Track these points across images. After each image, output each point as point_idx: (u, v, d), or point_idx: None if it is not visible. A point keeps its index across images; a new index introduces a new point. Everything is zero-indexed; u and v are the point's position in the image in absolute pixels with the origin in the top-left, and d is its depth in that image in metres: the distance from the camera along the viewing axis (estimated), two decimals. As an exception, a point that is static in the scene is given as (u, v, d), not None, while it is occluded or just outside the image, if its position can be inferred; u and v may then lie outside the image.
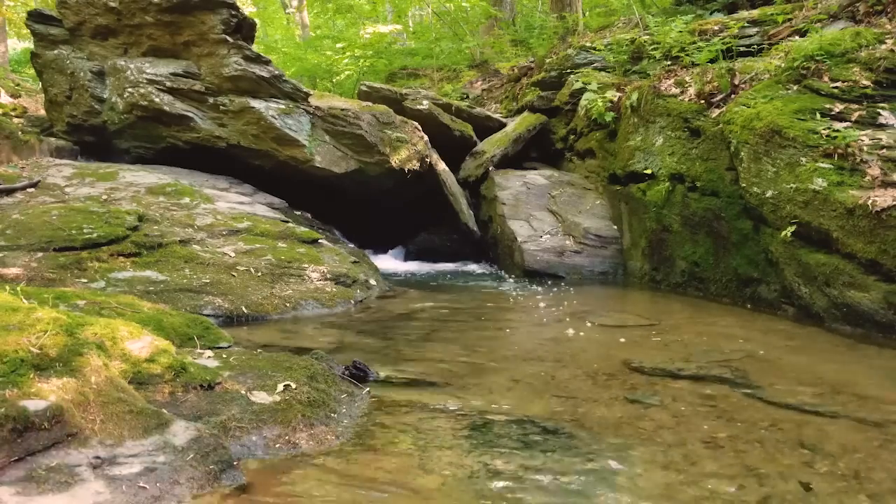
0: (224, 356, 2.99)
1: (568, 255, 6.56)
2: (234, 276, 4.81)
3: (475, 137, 8.75)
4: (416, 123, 7.90)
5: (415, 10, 18.69)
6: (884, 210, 3.82)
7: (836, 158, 4.25)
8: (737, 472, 2.21)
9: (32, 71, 9.39)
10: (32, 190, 6.03)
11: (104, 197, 5.95)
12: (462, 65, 13.33)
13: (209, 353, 3.01)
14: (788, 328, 4.30)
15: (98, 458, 1.93)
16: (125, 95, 7.31)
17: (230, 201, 6.48)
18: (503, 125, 8.92)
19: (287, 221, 6.23)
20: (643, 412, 2.78)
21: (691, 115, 5.71)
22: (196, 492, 1.94)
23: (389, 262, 7.93)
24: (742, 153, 4.88)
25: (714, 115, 5.42)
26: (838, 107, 4.54)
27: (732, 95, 5.40)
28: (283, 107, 7.23)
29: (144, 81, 7.25)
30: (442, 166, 8.05)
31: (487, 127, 8.92)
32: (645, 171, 6.21)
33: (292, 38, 20.61)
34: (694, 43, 6.66)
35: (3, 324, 2.23)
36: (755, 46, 6.27)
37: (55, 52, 7.64)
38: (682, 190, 5.68)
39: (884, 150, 4.13)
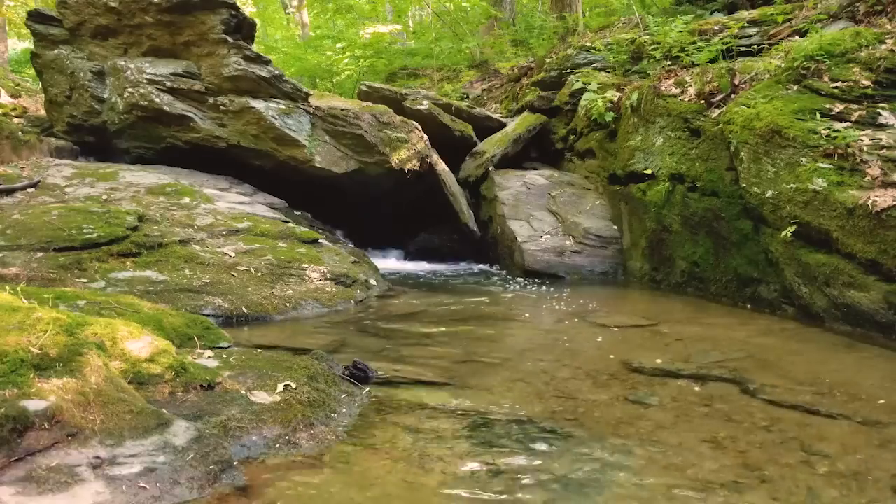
0: (224, 356, 2.99)
1: (568, 255, 6.56)
2: (234, 276, 4.81)
3: (475, 137, 8.74)
4: (416, 123, 7.90)
5: (415, 10, 18.68)
6: (884, 210, 3.81)
7: (836, 158, 4.25)
8: (737, 472, 2.21)
9: (32, 71, 9.38)
10: (32, 190, 6.03)
11: (104, 197, 5.95)
12: (462, 65, 13.32)
13: (209, 353, 3.01)
14: (788, 328, 4.30)
15: (98, 458, 1.93)
16: (125, 95, 7.31)
17: (230, 201, 6.48)
18: (503, 125, 8.91)
19: (287, 221, 6.23)
20: (643, 412, 2.78)
21: (691, 115, 5.71)
22: (196, 492, 1.93)
23: (389, 262, 7.93)
24: (742, 153, 4.87)
25: (714, 115, 5.42)
26: (838, 107, 4.54)
27: (732, 95, 5.40)
28: (283, 107, 7.23)
29: (144, 81, 7.25)
30: (442, 166, 8.05)
31: (487, 127, 8.91)
32: (645, 171, 6.21)
33: (292, 38, 20.61)
34: (694, 43, 6.66)
35: (3, 324, 2.23)
36: (755, 46, 6.27)
37: (55, 52, 7.63)
38: (682, 190, 5.68)
39: (884, 150, 4.13)
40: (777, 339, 4.02)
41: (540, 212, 7.17)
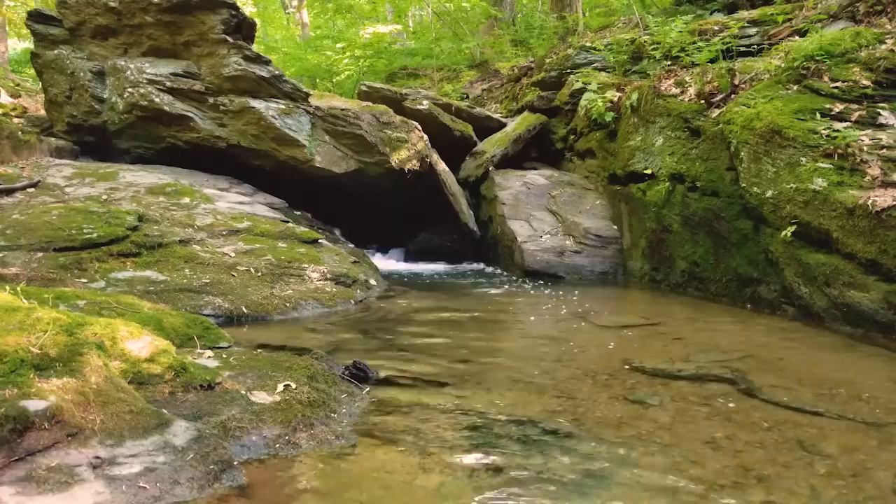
0: (224, 356, 2.99)
1: (568, 255, 6.56)
2: (234, 276, 4.81)
3: (475, 137, 8.75)
4: (416, 123, 7.90)
5: (415, 10, 18.68)
6: (884, 210, 3.82)
7: (836, 158, 4.25)
8: (737, 472, 2.21)
9: (32, 71, 9.38)
10: (32, 190, 6.03)
11: (104, 197, 5.95)
12: (462, 65, 13.33)
13: (209, 353, 3.01)
14: (788, 328, 4.30)
15: (98, 458, 1.93)
16: (125, 95, 7.31)
17: (230, 201, 6.48)
18: (503, 125, 8.91)
19: (287, 221, 6.23)
20: (643, 412, 2.78)
21: (691, 115, 5.71)
22: (196, 492, 1.93)
23: (389, 262, 7.93)
24: (742, 153, 4.88)
25: (714, 115, 5.42)
26: (838, 107, 4.54)
27: (732, 95, 5.40)
28: (283, 107, 7.23)
29: (144, 81, 7.25)
30: (442, 166, 8.05)
31: (487, 127, 8.92)
32: (645, 171, 6.21)
33: (292, 38, 20.62)
34: (694, 43, 6.66)
35: (3, 324, 2.23)
36: (755, 46, 6.27)
37: (55, 52, 7.63)
38: (682, 190, 5.68)
39: (884, 150, 4.13)
40: (777, 339, 4.02)
41: (540, 212, 7.17)
